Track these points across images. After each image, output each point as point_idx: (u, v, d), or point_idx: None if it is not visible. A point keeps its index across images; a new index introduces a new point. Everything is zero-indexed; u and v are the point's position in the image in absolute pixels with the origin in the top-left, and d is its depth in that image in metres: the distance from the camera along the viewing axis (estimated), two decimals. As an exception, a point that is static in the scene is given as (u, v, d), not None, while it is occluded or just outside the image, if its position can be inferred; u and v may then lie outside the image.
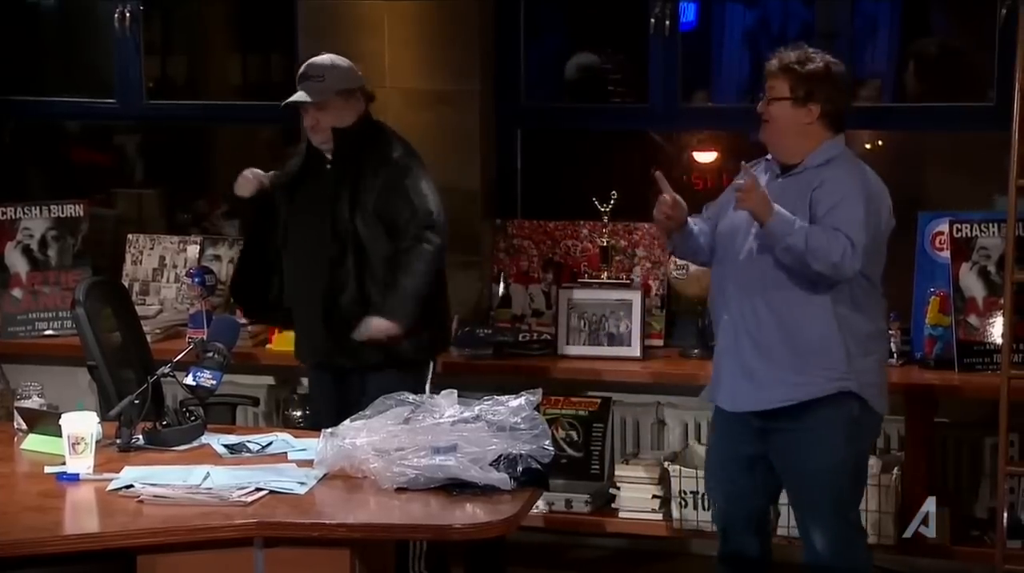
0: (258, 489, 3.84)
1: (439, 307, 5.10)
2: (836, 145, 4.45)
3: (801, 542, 4.62)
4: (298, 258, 5.06)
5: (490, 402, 4.00)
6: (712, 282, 4.63)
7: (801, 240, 4.26)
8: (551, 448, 3.93)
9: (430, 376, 5.03)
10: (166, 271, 6.39)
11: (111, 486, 3.90)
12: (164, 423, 4.36)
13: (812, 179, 4.40)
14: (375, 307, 4.90)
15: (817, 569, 4.52)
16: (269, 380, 6.08)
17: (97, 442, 4.06)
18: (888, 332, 4.70)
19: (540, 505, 5.34)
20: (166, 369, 4.44)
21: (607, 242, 5.83)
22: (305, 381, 6.00)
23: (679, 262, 5.46)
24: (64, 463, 4.02)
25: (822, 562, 4.49)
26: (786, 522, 5.21)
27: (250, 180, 5.03)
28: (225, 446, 4.28)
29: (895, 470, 5.28)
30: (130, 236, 6.48)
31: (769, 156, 4.55)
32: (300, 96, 4.97)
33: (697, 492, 5.39)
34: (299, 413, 5.86)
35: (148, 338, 5.28)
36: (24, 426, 4.42)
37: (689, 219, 4.54)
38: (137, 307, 5.40)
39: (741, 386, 4.47)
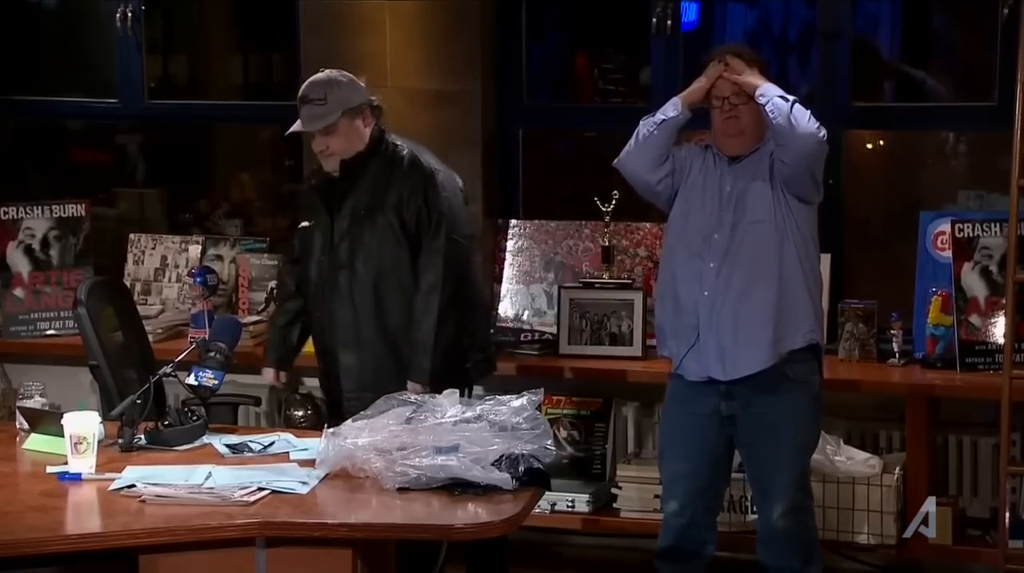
0: (260, 489, 3.84)
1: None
2: None
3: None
4: None
5: (492, 402, 4.01)
6: (675, 264, 4.63)
7: (791, 98, 4.44)
8: (553, 448, 3.94)
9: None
10: (168, 271, 6.39)
11: (113, 486, 3.91)
12: (166, 423, 4.36)
13: (765, 153, 4.55)
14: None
15: (773, 534, 4.63)
16: (271, 380, 6.07)
17: (99, 442, 4.07)
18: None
19: (542, 505, 5.33)
20: (168, 369, 4.45)
21: (609, 242, 5.83)
22: (306, 381, 6.01)
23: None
24: (66, 463, 4.03)
25: (778, 528, 4.61)
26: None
27: None
28: (227, 446, 4.28)
29: (896, 470, 5.27)
30: (132, 236, 6.48)
31: (708, 144, 4.66)
32: (300, 126, 4.71)
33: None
34: (300, 413, 5.85)
35: (150, 338, 5.28)
36: (26, 426, 4.42)
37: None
38: (139, 307, 5.40)
39: (731, 353, 4.52)
